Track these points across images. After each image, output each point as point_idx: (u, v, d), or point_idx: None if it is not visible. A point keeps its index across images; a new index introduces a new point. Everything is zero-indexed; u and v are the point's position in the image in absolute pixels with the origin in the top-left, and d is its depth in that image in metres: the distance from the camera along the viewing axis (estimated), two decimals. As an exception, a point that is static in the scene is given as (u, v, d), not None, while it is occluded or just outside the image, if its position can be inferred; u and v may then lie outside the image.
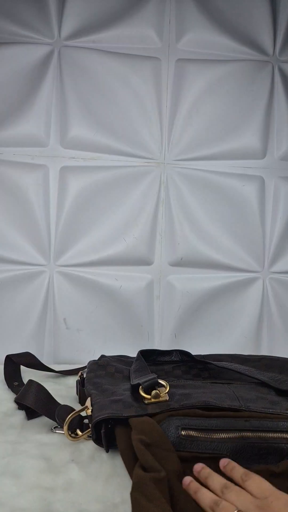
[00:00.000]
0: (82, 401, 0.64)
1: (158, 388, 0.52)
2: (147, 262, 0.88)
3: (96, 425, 0.49)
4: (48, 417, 0.55)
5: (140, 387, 0.53)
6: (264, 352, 0.90)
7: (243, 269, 0.90)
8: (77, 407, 0.62)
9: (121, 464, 0.48)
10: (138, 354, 0.67)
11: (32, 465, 0.47)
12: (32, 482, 0.44)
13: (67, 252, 0.86)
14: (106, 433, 0.50)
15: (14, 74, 0.82)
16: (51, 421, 0.55)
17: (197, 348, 0.88)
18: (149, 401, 0.51)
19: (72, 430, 0.54)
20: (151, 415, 0.48)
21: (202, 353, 0.81)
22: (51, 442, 0.53)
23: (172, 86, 0.87)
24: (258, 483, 0.40)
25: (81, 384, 0.67)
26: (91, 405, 0.52)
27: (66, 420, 0.52)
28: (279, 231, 0.90)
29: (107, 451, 0.50)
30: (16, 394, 0.63)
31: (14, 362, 0.73)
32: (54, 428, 0.55)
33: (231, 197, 0.89)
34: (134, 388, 0.55)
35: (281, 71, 0.89)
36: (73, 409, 0.56)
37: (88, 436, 0.53)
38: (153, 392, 0.52)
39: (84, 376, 0.68)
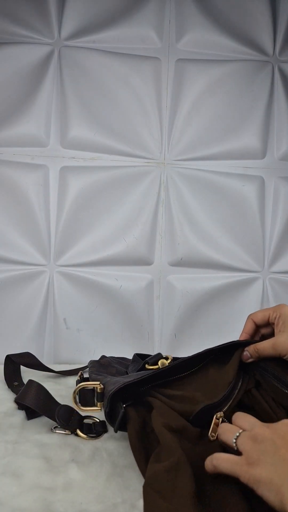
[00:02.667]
0: (82, 401, 0.64)
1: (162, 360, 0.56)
2: (147, 262, 0.88)
3: (112, 398, 0.48)
4: (48, 417, 0.55)
5: (147, 364, 0.55)
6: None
7: (243, 269, 0.90)
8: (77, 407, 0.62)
9: (121, 464, 0.48)
10: (134, 356, 0.68)
11: (32, 465, 0.47)
12: (32, 482, 0.44)
13: (67, 252, 0.86)
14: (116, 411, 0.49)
15: (14, 74, 0.82)
16: (51, 421, 0.55)
17: (197, 348, 0.88)
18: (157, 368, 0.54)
19: (72, 429, 0.54)
20: (159, 372, 0.50)
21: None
22: (51, 442, 0.53)
23: (172, 86, 0.87)
24: (243, 416, 0.42)
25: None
26: (102, 384, 0.53)
27: (75, 389, 0.53)
28: (279, 231, 0.90)
29: (115, 430, 0.50)
30: (16, 394, 0.63)
31: (14, 362, 0.73)
32: (54, 428, 0.55)
33: (231, 197, 0.89)
34: (141, 368, 0.57)
35: (281, 71, 0.89)
36: (73, 409, 0.56)
37: (86, 433, 0.53)
38: (160, 361, 0.55)
39: (84, 376, 0.69)
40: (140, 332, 0.88)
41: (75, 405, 0.53)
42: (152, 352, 0.88)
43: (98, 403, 0.53)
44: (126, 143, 0.86)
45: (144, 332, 0.88)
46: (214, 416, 0.45)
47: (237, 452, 0.38)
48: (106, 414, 0.50)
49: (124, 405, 0.49)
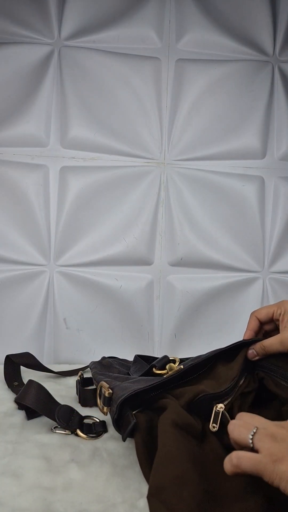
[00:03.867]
0: (82, 401, 0.64)
1: (170, 364, 0.55)
2: (147, 262, 0.88)
3: (121, 405, 0.48)
4: (48, 417, 0.55)
5: (154, 368, 0.54)
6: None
7: (243, 269, 0.90)
8: (77, 407, 0.62)
9: (121, 464, 0.49)
10: (135, 357, 0.67)
11: (32, 465, 0.47)
12: (32, 482, 0.44)
13: (67, 252, 0.86)
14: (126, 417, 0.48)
15: (14, 74, 0.82)
16: (51, 421, 0.55)
17: (197, 348, 0.88)
18: (166, 373, 0.53)
19: (72, 430, 0.54)
20: (171, 378, 0.50)
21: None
22: (51, 442, 0.53)
23: (172, 86, 0.87)
24: (251, 416, 0.40)
25: (81, 384, 0.67)
26: (111, 388, 0.52)
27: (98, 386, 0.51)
28: (279, 231, 0.90)
29: (124, 439, 0.48)
30: (16, 394, 0.63)
31: (14, 362, 0.73)
32: (54, 428, 0.55)
33: (231, 197, 0.89)
34: (148, 371, 0.56)
35: (281, 71, 0.89)
36: (73, 409, 0.56)
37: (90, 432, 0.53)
38: (168, 365, 0.54)
39: (85, 376, 0.68)
40: (140, 332, 0.88)
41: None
42: (152, 352, 0.88)
43: (105, 408, 0.51)
44: (126, 143, 0.86)
45: (144, 332, 0.88)
46: (214, 407, 0.45)
47: (252, 450, 0.37)
48: (114, 421, 0.49)
49: (134, 413, 0.48)
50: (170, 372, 0.52)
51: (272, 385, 0.49)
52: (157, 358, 0.70)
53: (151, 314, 0.89)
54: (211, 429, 0.45)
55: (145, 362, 0.64)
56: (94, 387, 0.68)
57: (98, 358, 0.75)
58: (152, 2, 0.85)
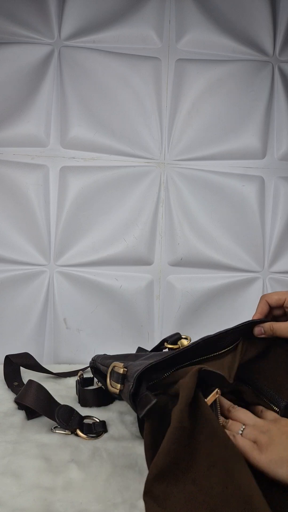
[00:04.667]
0: (82, 401, 0.64)
1: (181, 340, 0.55)
2: (147, 262, 0.88)
3: (138, 379, 0.46)
4: (48, 417, 0.55)
5: (166, 342, 0.55)
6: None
7: (243, 269, 0.90)
8: (77, 407, 0.62)
9: (121, 464, 0.49)
10: (138, 348, 0.67)
11: (32, 465, 0.47)
12: (32, 482, 0.44)
13: (67, 252, 0.86)
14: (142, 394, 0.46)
15: (14, 74, 0.82)
16: (51, 421, 0.55)
17: (197, 348, 0.88)
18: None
19: (71, 430, 0.54)
20: (187, 349, 0.49)
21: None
22: (51, 442, 0.53)
23: (172, 86, 0.87)
24: (244, 412, 0.46)
25: (80, 384, 0.67)
26: (125, 366, 0.50)
27: (109, 368, 0.51)
28: (279, 231, 0.90)
29: (141, 416, 0.45)
30: (16, 394, 0.63)
31: (14, 362, 0.73)
32: (54, 428, 0.55)
33: (231, 197, 0.89)
34: (159, 346, 0.57)
35: (281, 71, 0.89)
36: (73, 409, 0.56)
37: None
38: (179, 342, 0.55)
39: (84, 376, 0.68)
40: (140, 332, 0.88)
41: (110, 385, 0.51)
42: (152, 352, 0.88)
43: (119, 385, 0.49)
44: (126, 143, 0.86)
45: (144, 332, 0.88)
46: (216, 389, 0.45)
47: None
48: (131, 395, 0.47)
49: (154, 394, 0.46)
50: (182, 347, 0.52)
51: (253, 396, 0.50)
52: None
53: (151, 314, 0.89)
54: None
55: (148, 351, 0.64)
56: (94, 387, 0.68)
57: (98, 358, 0.75)
58: (152, 2, 0.85)
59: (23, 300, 0.85)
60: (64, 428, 0.54)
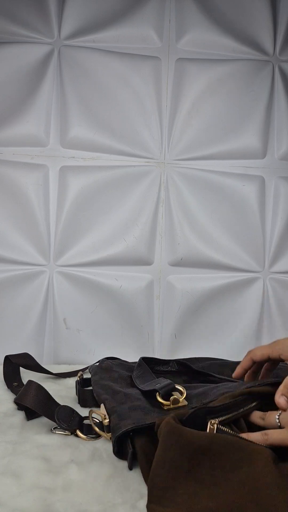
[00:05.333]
0: (81, 402, 0.64)
1: (175, 393, 0.52)
2: (147, 262, 0.88)
3: (118, 437, 0.47)
4: (47, 417, 0.55)
5: (158, 393, 0.52)
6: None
7: (243, 269, 0.89)
8: (77, 407, 0.62)
9: (121, 464, 0.48)
10: (140, 360, 0.67)
11: (32, 465, 0.47)
12: (32, 482, 0.44)
13: (67, 252, 0.86)
14: (132, 445, 0.47)
15: (14, 74, 0.82)
16: (50, 421, 0.55)
17: (197, 348, 0.88)
18: (169, 407, 0.50)
19: (71, 430, 0.54)
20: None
21: (201, 354, 0.81)
22: (50, 442, 0.53)
23: (172, 86, 0.87)
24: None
25: (80, 384, 0.67)
26: (108, 414, 0.51)
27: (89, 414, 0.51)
28: (279, 231, 0.90)
29: (130, 468, 0.47)
30: (16, 395, 0.63)
31: (13, 363, 0.73)
32: (54, 428, 0.55)
33: (231, 197, 0.89)
34: (150, 394, 0.54)
35: (281, 71, 0.89)
36: (73, 410, 0.56)
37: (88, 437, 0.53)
38: (172, 398, 0.51)
39: (84, 377, 0.68)
40: (140, 332, 0.88)
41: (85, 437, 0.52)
42: (152, 352, 0.88)
43: (106, 434, 0.51)
44: (126, 143, 0.86)
45: (144, 332, 0.88)
46: (209, 422, 0.43)
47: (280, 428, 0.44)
48: (115, 454, 0.49)
49: (131, 441, 0.47)
50: (173, 406, 0.50)
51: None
52: (163, 360, 0.70)
53: (151, 314, 0.88)
54: None
55: (148, 368, 0.63)
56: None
57: (98, 358, 0.75)
58: (152, 2, 0.85)
59: (23, 300, 0.85)
60: (64, 429, 0.54)
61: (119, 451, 0.49)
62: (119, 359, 0.75)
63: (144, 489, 0.43)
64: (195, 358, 0.73)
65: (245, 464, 0.39)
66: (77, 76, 0.84)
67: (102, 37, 0.85)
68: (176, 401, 0.51)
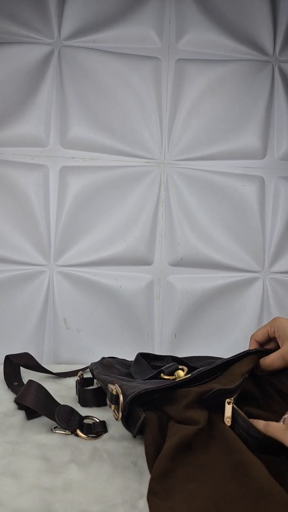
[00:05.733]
0: (82, 401, 0.64)
1: (178, 372, 0.55)
2: (147, 262, 0.88)
3: (131, 402, 0.48)
4: (48, 417, 0.55)
5: (162, 373, 0.54)
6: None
7: (243, 269, 0.89)
8: (77, 407, 0.62)
9: (121, 464, 0.48)
10: (137, 356, 0.67)
11: (32, 465, 0.47)
12: (32, 482, 0.44)
13: (67, 252, 0.86)
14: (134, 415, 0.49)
15: (14, 74, 0.82)
16: (51, 421, 0.55)
17: (197, 348, 0.88)
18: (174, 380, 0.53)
19: (72, 430, 0.54)
20: (182, 384, 0.50)
21: (201, 354, 0.81)
22: (51, 442, 0.53)
23: (172, 86, 0.87)
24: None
25: (80, 384, 0.67)
26: (119, 386, 0.52)
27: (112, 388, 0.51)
28: (279, 231, 0.90)
29: (134, 436, 0.49)
30: (16, 394, 0.63)
31: (14, 362, 0.73)
32: (54, 428, 0.55)
33: (231, 197, 0.89)
34: (155, 376, 0.56)
35: (281, 71, 0.89)
36: (73, 409, 0.56)
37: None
38: (176, 372, 0.54)
39: (84, 376, 0.68)
40: (140, 332, 0.88)
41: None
42: (153, 352, 0.88)
43: (112, 406, 0.51)
44: (126, 143, 0.86)
45: (144, 332, 0.88)
46: (226, 401, 0.47)
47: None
48: (124, 418, 0.50)
49: (144, 410, 0.48)
50: (178, 379, 0.53)
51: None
52: (159, 355, 0.70)
53: (151, 314, 0.88)
54: (226, 423, 0.46)
55: (147, 364, 0.64)
56: (94, 387, 0.68)
57: (98, 358, 0.75)
58: (152, 2, 0.85)
59: (23, 300, 0.85)
60: (64, 428, 0.54)
61: (128, 417, 0.49)
62: (118, 358, 0.75)
63: (144, 489, 0.43)
64: (195, 357, 0.73)
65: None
66: (77, 76, 0.84)
67: (102, 37, 0.85)
68: (179, 375, 0.54)
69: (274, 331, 0.57)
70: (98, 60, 0.84)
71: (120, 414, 0.49)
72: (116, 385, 0.51)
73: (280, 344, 0.56)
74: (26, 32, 0.82)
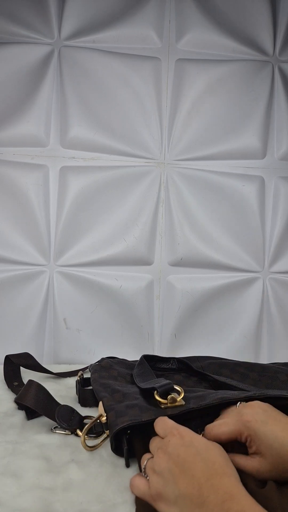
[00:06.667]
0: (82, 401, 0.64)
1: (173, 393, 0.52)
2: (147, 262, 0.88)
3: (116, 434, 0.48)
4: (48, 417, 0.55)
5: (156, 391, 0.52)
6: (264, 352, 0.90)
7: (243, 269, 0.89)
8: (77, 407, 0.62)
9: (121, 464, 0.49)
10: (141, 358, 0.67)
11: (32, 465, 0.47)
12: (32, 482, 0.44)
13: (67, 252, 0.86)
14: (128, 442, 0.49)
15: (14, 74, 0.82)
16: (51, 421, 0.55)
17: (197, 348, 0.88)
18: (166, 405, 0.51)
19: (72, 430, 0.54)
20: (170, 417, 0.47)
21: (201, 354, 0.81)
22: (51, 442, 0.53)
23: (172, 86, 0.87)
24: (162, 423, 0.44)
25: (80, 384, 0.67)
26: (105, 411, 0.51)
27: (84, 430, 0.51)
28: (279, 231, 0.90)
29: (127, 465, 0.48)
30: (16, 394, 0.63)
31: (14, 362, 0.73)
32: (54, 428, 0.55)
33: (231, 197, 0.89)
34: (148, 393, 0.54)
35: (281, 71, 0.89)
36: (73, 409, 0.56)
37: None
38: (169, 396, 0.51)
39: (84, 376, 0.68)
40: (140, 332, 0.88)
41: (86, 446, 0.52)
42: (152, 352, 0.88)
43: (105, 431, 0.52)
44: (126, 143, 0.86)
45: (144, 332, 0.88)
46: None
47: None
48: (113, 450, 0.50)
49: (127, 437, 0.48)
50: (169, 410, 0.50)
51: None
52: (164, 358, 0.70)
53: (151, 314, 0.89)
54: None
55: (149, 367, 0.64)
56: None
57: (98, 358, 0.75)
58: (152, 2, 0.85)
59: (23, 300, 0.85)
60: (64, 428, 0.54)
61: (117, 448, 0.50)
62: (118, 358, 0.75)
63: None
64: (195, 357, 0.73)
65: None
66: (77, 76, 0.84)
67: (102, 37, 0.85)
68: (173, 400, 0.51)
69: (247, 439, 0.43)
70: (98, 60, 0.84)
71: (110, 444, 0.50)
72: (102, 412, 0.52)
73: (252, 452, 0.43)
74: (26, 32, 0.82)
